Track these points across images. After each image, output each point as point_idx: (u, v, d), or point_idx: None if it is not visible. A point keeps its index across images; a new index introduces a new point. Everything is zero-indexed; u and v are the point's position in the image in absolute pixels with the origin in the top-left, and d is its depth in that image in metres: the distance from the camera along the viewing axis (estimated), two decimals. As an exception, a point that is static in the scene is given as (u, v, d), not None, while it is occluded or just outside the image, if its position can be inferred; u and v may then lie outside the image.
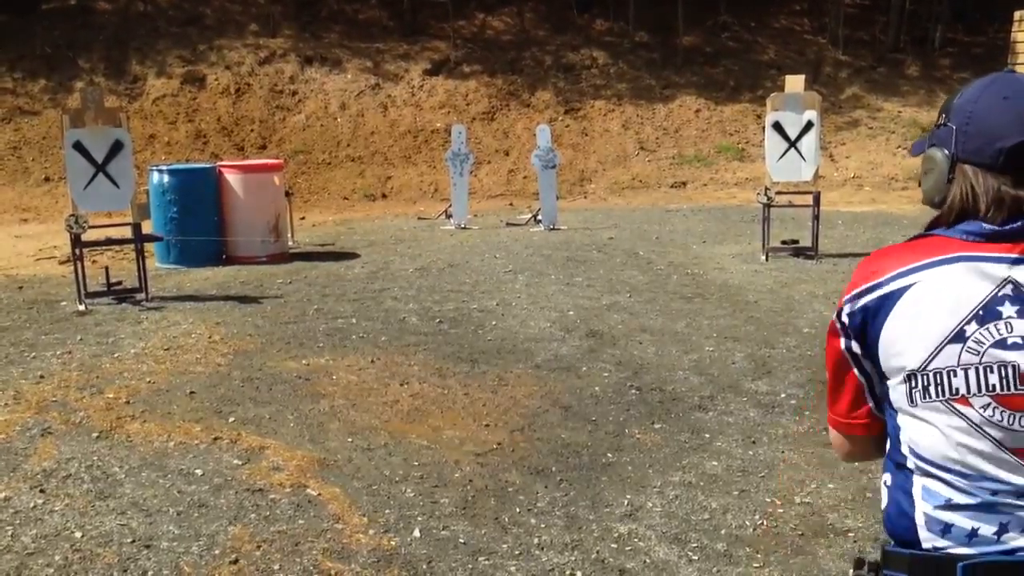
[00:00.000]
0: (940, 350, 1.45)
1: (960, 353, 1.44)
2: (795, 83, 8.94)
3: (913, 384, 1.48)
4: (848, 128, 15.61)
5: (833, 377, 1.65)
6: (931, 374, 1.46)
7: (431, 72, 16.13)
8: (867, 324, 1.53)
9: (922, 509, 1.51)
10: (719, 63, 17.13)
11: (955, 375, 1.45)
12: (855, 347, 1.56)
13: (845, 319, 1.57)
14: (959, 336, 1.45)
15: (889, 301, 1.50)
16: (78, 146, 7.17)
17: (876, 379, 1.58)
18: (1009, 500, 1.44)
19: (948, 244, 1.50)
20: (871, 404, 1.61)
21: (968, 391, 1.45)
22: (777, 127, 8.87)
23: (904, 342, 1.48)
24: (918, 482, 1.51)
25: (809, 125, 8.79)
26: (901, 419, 1.53)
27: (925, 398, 1.48)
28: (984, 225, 1.47)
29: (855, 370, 1.59)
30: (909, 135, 15.29)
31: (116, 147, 7.26)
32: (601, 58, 16.94)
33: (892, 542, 1.58)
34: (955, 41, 18.06)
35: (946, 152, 1.54)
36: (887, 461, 1.60)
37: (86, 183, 7.22)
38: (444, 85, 15.91)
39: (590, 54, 16.99)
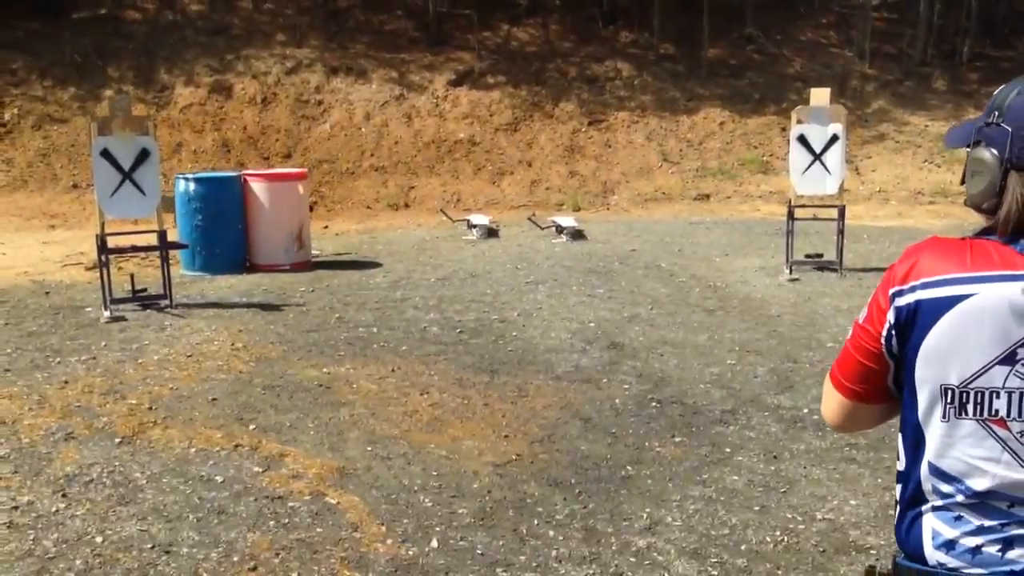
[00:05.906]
0: (987, 370, 1.39)
1: (1008, 376, 1.39)
2: (821, 96, 8.88)
3: (949, 400, 1.42)
4: (874, 142, 15.50)
5: (855, 345, 1.55)
6: (972, 392, 1.41)
7: (455, 83, 16.18)
8: (913, 321, 1.44)
9: (930, 524, 1.49)
10: (744, 75, 17.07)
11: (998, 397, 1.39)
12: (894, 341, 1.47)
13: (897, 306, 1.45)
14: (1009, 358, 1.38)
15: (942, 305, 1.41)
16: (105, 154, 7.25)
17: (895, 369, 1.51)
18: (1020, 516, 1.42)
19: (1012, 259, 1.40)
20: (889, 382, 1.53)
21: (1008, 414, 1.40)
22: (802, 140, 8.81)
23: (948, 355, 1.41)
24: (930, 498, 1.49)
25: (834, 138, 8.73)
26: (924, 432, 1.48)
27: (961, 415, 1.42)
28: None
29: (883, 355, 1.50)
30: (936, 149, 15.15)
31: (143, 155, 7.33)
32: (625, 70, 16.94)
33: (903, 554, 1.56)
34: (983, 55, 17.90)
35: (995, 153, 1.43)
36: (899, 473, 1.57)
37: (113, 190, 7.30)
38: (468, 96, 15.95)
39: (614, 65, 16.99)
